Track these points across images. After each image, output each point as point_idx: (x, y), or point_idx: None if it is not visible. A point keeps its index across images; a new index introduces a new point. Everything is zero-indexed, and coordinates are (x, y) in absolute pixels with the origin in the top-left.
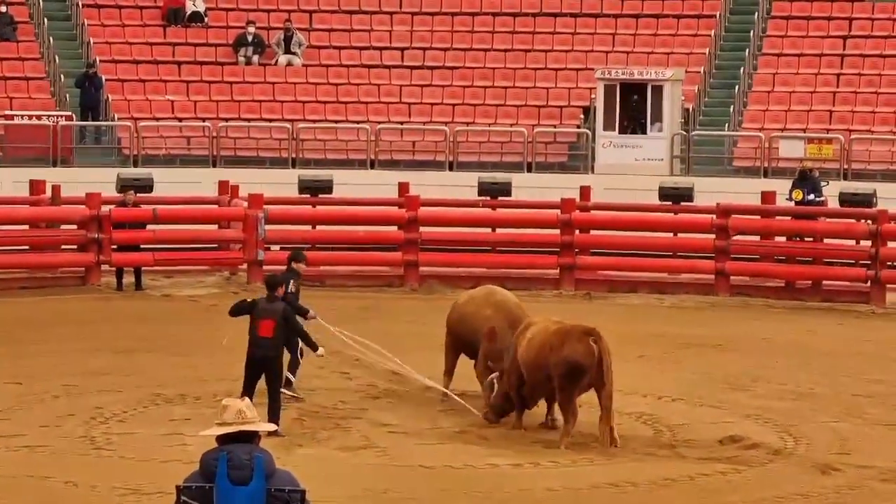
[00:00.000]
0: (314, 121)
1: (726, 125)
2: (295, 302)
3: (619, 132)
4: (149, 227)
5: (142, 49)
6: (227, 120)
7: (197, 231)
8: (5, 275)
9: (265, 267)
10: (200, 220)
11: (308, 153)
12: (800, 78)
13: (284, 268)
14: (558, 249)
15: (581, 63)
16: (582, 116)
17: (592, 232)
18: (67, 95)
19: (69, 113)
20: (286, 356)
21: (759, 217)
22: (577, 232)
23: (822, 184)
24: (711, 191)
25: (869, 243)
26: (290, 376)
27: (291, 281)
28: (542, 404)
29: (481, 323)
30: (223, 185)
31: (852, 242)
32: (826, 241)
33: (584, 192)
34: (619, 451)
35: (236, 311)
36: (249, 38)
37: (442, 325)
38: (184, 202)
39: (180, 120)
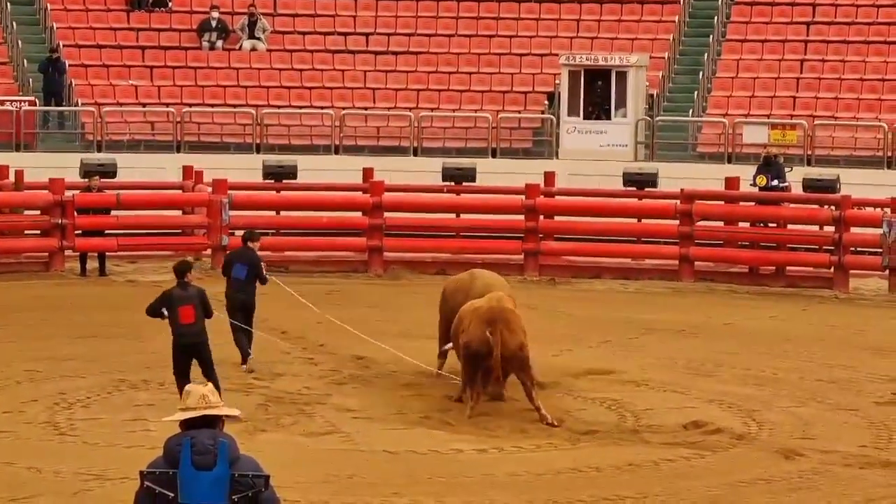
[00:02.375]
0: (278, 106)
1: (690, 111)
2: (261, 275)
3: (584, 118)
4: (112, 212)
5: (105, 34)
6: (191, 105)
7: (161, 216)
8: None
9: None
10: (164, 205)
11: (272, 139)
12: (763, 64)
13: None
14: (522, 235)
15: (545, 49)
16: (546, 102)
17: (557, 217)
18: (31, 80)
19: (32, 98)
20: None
21: (723, 203)
22: (541, 217)
23: (786, 169)
24: (675, 176)
25: (832, 229)
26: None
27: (262, 262)
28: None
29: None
30: (187, 171)
31: (816, 228)
32: (790, 226)
33: (549, 177)
34: (582, 436)
35: (153, 310)
36: (213, 24)
37: (406, 310)
38: (148, 187)
39: (144, 105)
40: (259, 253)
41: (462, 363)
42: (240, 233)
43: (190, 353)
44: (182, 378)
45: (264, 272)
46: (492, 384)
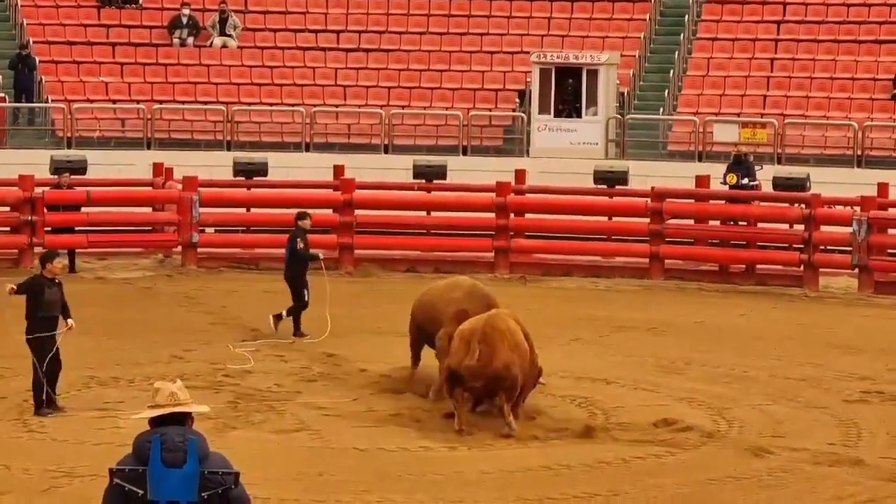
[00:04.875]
0: (249, 103)
1: (661, 109)
2: (305, 252)
3: (555, 116)
4: (82, 209)
5: (76, 30)
6: (161, 102)
7: (131, 213)
8: None
9: (200, 249)
10: (134, 202)
11: (243, 136)
12: (734, 62)
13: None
14: (493, 232)
15: (516, 46)
16: (517, 100)
17: (527, 215)
18: (0, 77)
19: (2, 94)
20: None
21: (693, 201)
22: (511, 215)
23: (756, 168)
24: (646, 174)
25: (802, 227)
26: (285, 314)
27: (298, 238)
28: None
29: (449, 307)
30: (157, 168)
31: (786, 226)
32: (760, 224)
33: (519, 175)
34: (552, 433)
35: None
36: (184, 20)
37: (376, 307)
38: (118, 184)
39: (114, 102)
40: (222, 249)
41: (445, 377)
42: (210, 230)
43: None
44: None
45: (298, 247)
46: (496, 409)
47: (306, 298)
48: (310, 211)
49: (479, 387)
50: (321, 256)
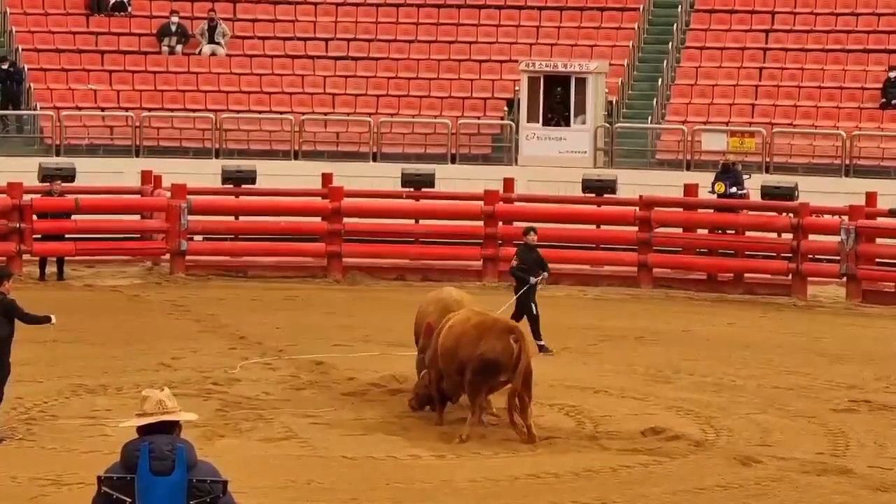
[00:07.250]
0: (238, 111)
1: (649, 118)
2: (513, 270)
3: (543, 124)
4: (71, 216)
5: (65, 38)
6: (150, 110)
7: (119, 221)
8: None
9: (188, 257)
10: (123, 209)
11: (232, 143)
12: (722, 71)
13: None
14: (482, 241)
15: (505, 55)
16: (506, 108)
17: (516, 223)
18: None
19: None
20: None
21: (681, 209)
22: (500, 223)
23: (745, 177)
24: (634, 183)
25: (790, 236)
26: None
27: (517, 255)
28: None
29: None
30: (146, 175)
31: (774, 235)
32: (748, 233)
33: (508, 183)
34: (541, 442)
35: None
36: (173, 28)
37: (365, 315)
38: (106, 192)
39: (103, 109)
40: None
41: (471, 378)
42: (198, 238)
43: None
44: None
45: (511, 264)
46: (510, 404)
47: (534, 312)
48: (535, 225)
49: (504, 381)
50: (532, 281)
